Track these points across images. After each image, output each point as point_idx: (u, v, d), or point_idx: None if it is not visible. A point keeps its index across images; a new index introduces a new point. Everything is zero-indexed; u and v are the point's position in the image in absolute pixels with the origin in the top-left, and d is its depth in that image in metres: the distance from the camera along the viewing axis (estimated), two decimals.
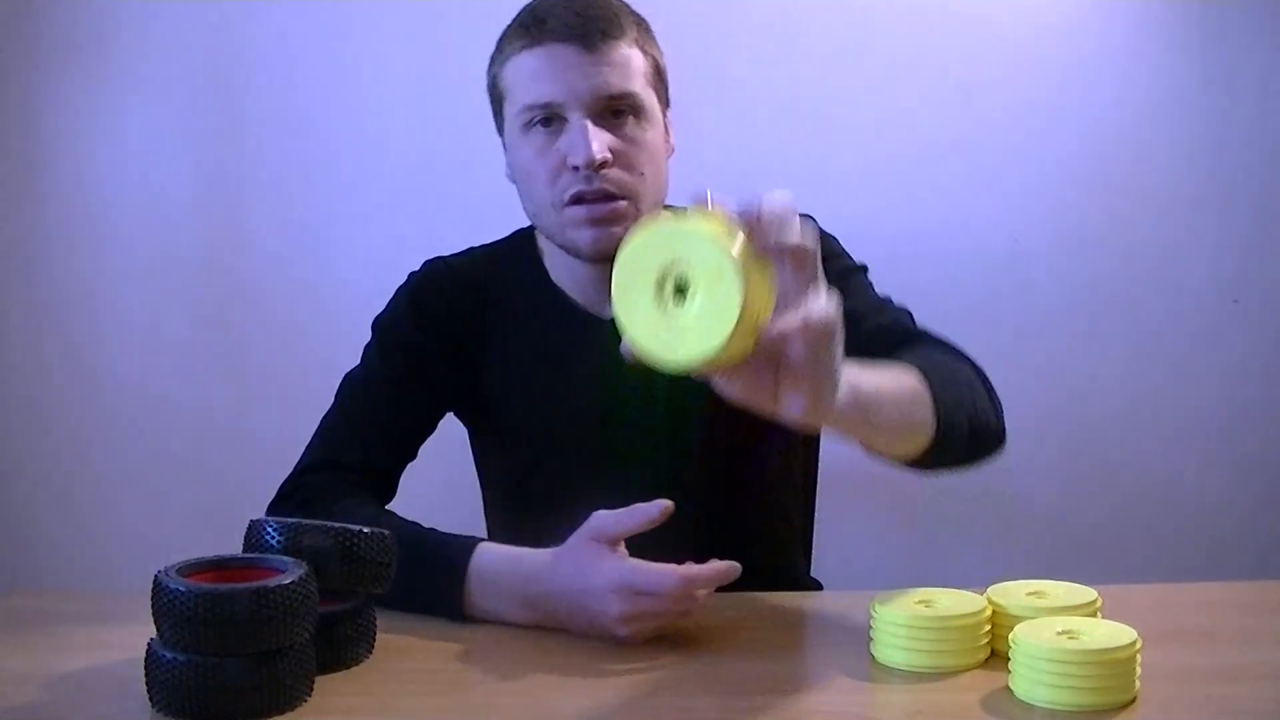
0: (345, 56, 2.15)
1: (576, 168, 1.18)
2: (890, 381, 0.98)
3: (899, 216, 2.13)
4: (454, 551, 1.09)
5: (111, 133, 2.16)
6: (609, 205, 1.19)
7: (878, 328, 1.22)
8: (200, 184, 2.17)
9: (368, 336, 1.36)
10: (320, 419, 1.32)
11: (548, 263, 1.32)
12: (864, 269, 1.34)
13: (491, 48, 1.28)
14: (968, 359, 1.22)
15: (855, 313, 1.21)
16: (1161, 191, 2.18)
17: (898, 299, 1.35)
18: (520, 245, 1.34)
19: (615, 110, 1.20)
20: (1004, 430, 1.17)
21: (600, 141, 1.17)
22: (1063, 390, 2.20)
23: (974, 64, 2.15)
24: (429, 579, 1.08)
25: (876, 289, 1.33)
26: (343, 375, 1.35)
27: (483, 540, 1.11)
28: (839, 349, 0.81)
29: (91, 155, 2.16)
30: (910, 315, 1.29)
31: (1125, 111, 2.17)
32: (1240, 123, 2.17)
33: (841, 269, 1.29)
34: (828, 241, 1.32)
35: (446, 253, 1.39)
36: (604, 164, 1.18)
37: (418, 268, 1.37)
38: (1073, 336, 2.19)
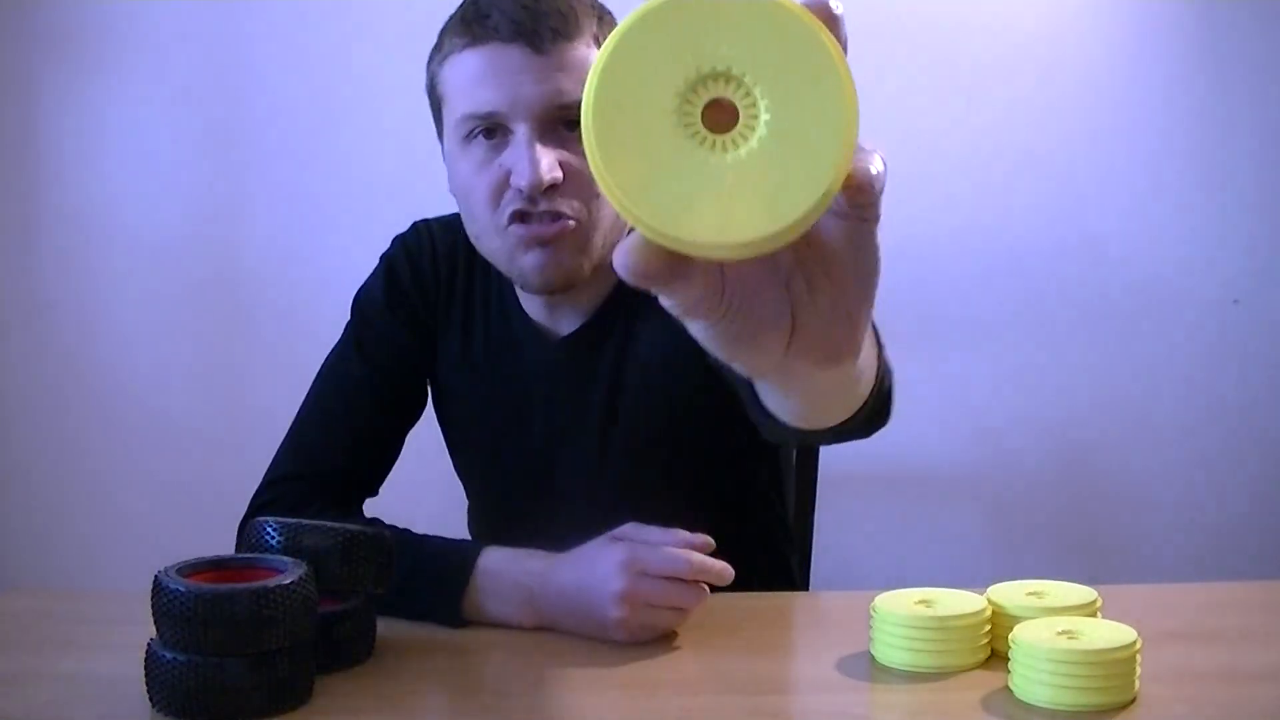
0: (346, 60, 2.15)
1: (522, 189, 1.05)
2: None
3: (898, 219, 2.13)
4: (459, 553, 1.08)
5: (110, 136, 2.16)
6: (557, 224, 1.06)
7: None
8: (199, 186, 2.18)
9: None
10: (295, 416, 1.26)
11: None
12: None
13: None
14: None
15: None
16: (1161, 192, 2.18)
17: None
18: None
19: (569, 120, 1.05)
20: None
21: (549, 160, 1.04)
22: (1063, 390, 2.20)
23: (973, 68, 2.15)
24: (432, 581, 1.07)
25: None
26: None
27: (487, 544, 1.11)
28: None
29: (90, 158, 2.16)
30: None
31: (1125, 113, 2.17)
32: (1241, 124, 2.17)
33: None
34: None
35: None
36: (553, 185, 1.04)
37: (405, 229, 1.31)
38: (1073, 337, 2.19)
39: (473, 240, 1.15)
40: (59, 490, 2.20)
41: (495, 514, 1.32)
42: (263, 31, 2.14)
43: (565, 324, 1.22)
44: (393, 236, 1.31)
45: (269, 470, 1.23)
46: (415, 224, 1.31)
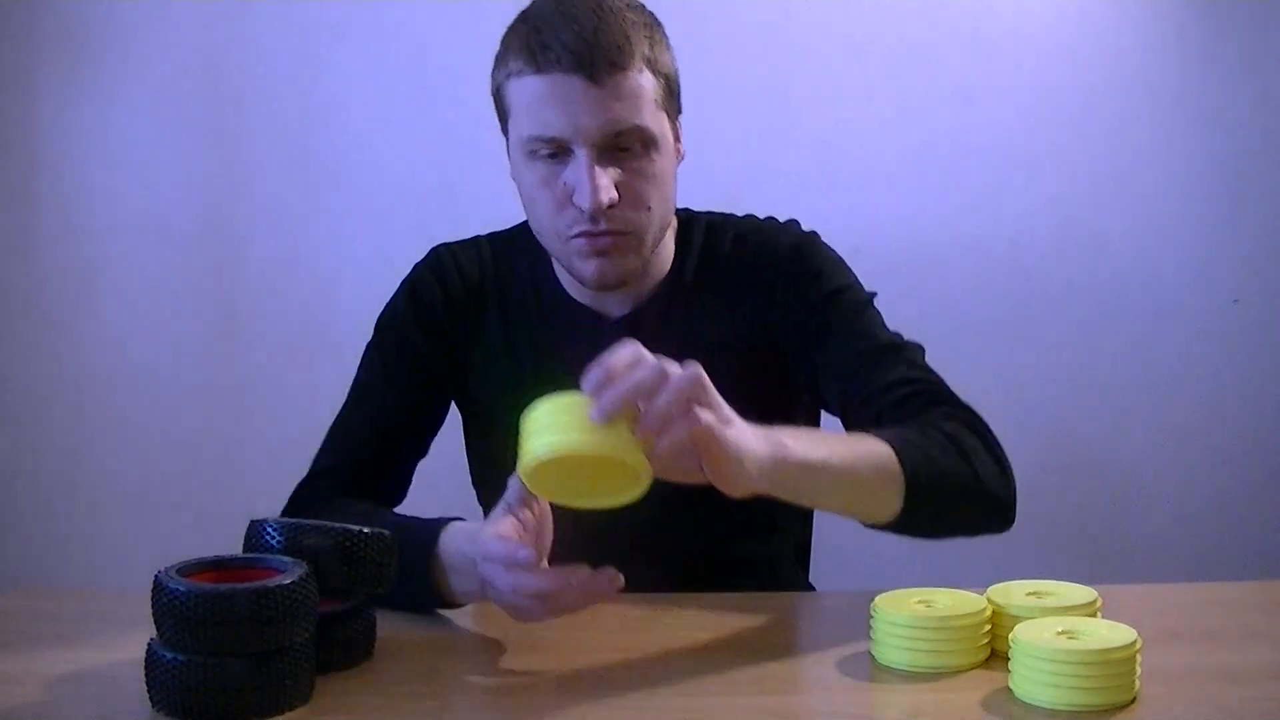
0: (345, 61, 2.15)
1: (584, 209, 1.16)
2: (847, 452, 1.01)
3: (898, 219, 2.13)
4: (424, 533, 1.07)
5: (111, 137, 2.16)
6: (613, 238, 1.18)
7: (889, 384, 1.22)
8: (200, 185, 2.18)
9: (368, 337, 1.36)
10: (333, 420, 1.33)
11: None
12: (873, 297, 1.31)
13: (492, 54, 1.23)
14: (972, 424, 1.21)
15: (863, 355, 1.22)
16: (1161, 192, 2.18)
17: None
18: (527, 235, 1.31)
19: (623, 144, 1.17)
20: (1009, 501, 1.18)
21: (606, 182, 1.15)
22: (1063, 390, 2.20)
23: (974, 67, 2.15)
24: (409, 567, 1.05)
25: (882, 308, 1.30)
26: (343, 377, 1.35)
27: (455, 520, 1.10)
28: (728, 433, 0.88)
29: (90, 159, 2.16)
30: (921, 350, 1.28)
31: (1125, 113, 2.17)
32: (1241, 124, 2.17)
33: (853, 301, 1.28)
34: (835, 269, 1.30)
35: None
36: (610, 205, 1.16)
37: (423, 256, 1.37)
38: (1072, 337, 2.19)
39: (536, 234, 1.26)
40: (59, 490, 2.20)
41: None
42: (264, 32, 2.14)
43: (616, 308, 1.29)
44: (398, 249, 1.37)
45: (311, 467, 1.29)
46: (435, 248, 1.37)
